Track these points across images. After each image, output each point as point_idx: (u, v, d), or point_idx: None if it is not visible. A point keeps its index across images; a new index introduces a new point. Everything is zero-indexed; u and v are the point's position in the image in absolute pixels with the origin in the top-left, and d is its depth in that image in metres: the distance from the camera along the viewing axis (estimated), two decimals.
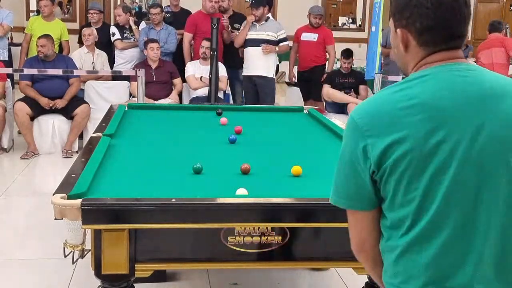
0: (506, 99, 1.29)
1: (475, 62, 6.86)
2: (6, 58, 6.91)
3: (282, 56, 8.25)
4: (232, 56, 6.77)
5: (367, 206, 1.35)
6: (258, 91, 6.61)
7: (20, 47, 7.32)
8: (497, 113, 1.26)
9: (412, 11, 1.33)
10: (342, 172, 1.35)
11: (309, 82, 7.10)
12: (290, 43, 6.89)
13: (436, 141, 1.23)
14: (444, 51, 1.34)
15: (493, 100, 1.28)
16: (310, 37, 7.08)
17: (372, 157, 1.27)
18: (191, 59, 6.85)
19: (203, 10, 6.80)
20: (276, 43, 6.53)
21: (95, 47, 6.80)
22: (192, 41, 6.87)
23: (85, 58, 6.70)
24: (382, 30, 6.78)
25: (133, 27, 7.02)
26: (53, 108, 6.06)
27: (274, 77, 6.73)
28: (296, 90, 7.61)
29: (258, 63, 6.51)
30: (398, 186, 1.27)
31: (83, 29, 6.95)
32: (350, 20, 12.72)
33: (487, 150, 1.24)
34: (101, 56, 6.80)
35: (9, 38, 7.84)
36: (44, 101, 6.04)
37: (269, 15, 6.78)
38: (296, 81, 7.49)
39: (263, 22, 6.54)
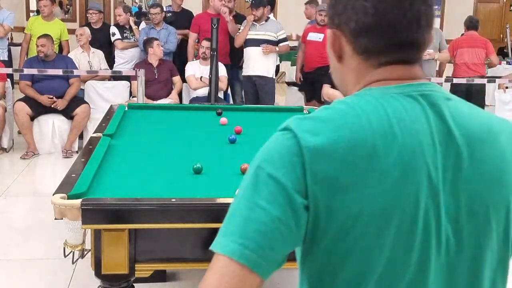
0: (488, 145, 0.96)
1: (454, 59, 6.79)
2: (6, 58, 6.91)
3: (282, 56, 8.24)
4: (233, 56, 6.76)
5: None
6: (258, 91, 6.61)
7: (20, 47, 7.32)
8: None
9: (346, 4, 0.97)
10: None
11: (313, 84, 7.08)
12: (290, 43, 6.89)
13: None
14: (395, 65, 0.97)
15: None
16: (316, 37, 7.07)
17: None
18: (196, 59, 6.86)
19: (211, 10, 6.83)
20: (276, 43, 6.52)
21: (90, 46, 6.79)
22: (198, 40, 6.88)
23: (80, 58, 6.70)
24: None
25: (133, 27, 7.01)
26: (53, 107, 6.05)
27: (274, 77, 6.71)
28: (297, 90, 7.60)
29: (257, 63, 6.51)
30: None
31: (76, 29, 6.95)
32: None
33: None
34: (97, 55, 6.80)
35: (9, 38, 7.84)
36: (44, 99, 6.02)
37: (271, 15, 6.76)
38: (301, 81, 7.46)
39: (263, 22, 6.52)
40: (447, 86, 6.80)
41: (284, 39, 6.59)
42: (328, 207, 0.88)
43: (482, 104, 6.69)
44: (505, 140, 0.97)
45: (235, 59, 6.75)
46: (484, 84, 6.69)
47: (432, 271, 0.93)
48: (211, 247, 0.88)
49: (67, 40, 7.17)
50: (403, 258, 0.91)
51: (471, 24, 7.08)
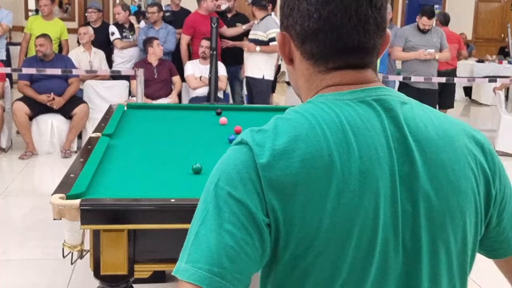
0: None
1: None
2: (4, 58, 6.89)
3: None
4: (231, 53, 6.72)
5: None
6: None
7: (19, 46, 7.31)
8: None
9: (292, 7, 0.94)
10: None
11: None
12: None
13: None
14: (344, 70, 0.95)
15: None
16: None
17: None
18: (189, 60, 6.84)
19: (201, 11, 6.77)
20: (266, 43, 6.32)
21: (91, 46, 6.78)
22: (190, 42, 6.85)
23: (81, 57, 6.69)
24: None
25: (136, 25, 7.00)
26: (49, 105, 6.03)
27: (267, 78, 6.45)
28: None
29: (250, 64, 6.45)
30: None
31: (79, 28, 6.93)
32: None
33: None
34: (98, 55, 6.79)
35: (8, 38, 7.83)
36: (43, 98, 6.00)
37: (272, 14, 6.69)
38: None
39: (258, 21, 6.46)
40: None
41: (275, 38, 6.30)
42: (288, 222, 0.86)
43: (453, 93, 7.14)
44: (460, 145, 0.95)
45: (233, 57, 6.70)
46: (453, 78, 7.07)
47: (392, 279, 0.92)
48: (175, 273, 0.86)
49: (67, 40, 7.16)
50: (364, 267, 0.89)
51: (445, 20, 7.43)
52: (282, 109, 4.76)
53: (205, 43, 6.38)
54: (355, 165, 0.87)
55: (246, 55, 6.47)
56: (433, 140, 0.92)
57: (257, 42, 6.34)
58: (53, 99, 6.01)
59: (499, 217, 0.99)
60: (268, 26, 6.35)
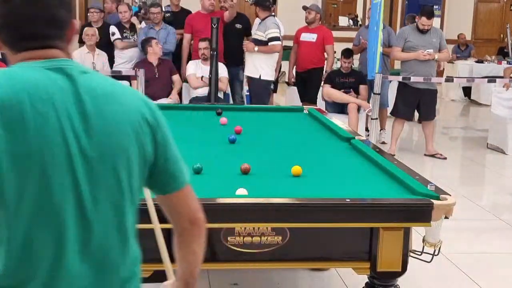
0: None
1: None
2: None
3: (283, 56, 8.19)
4: (231, 54, 6.73)
5: None
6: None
7: None
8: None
9: None
10: None
11: (305, 83, 7.05)
12: (290, 42, 6.84)
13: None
14: (31, 51, 1.26)
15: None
16: (309, 37, 7.02)
17: None
18: (190, 59, 6.86)
19: (202, 10, 6.80)
20: (265, 43, 6.32)
21: (95, 47, 6.80)
22: (192, 41, 6.87)
23: (85, 58, 6.70)
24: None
25: (138, 25, 7.00)
26: None
27: (264, 78, 6.41)
28: (296, 90, 7.60)
29: (247, 63, 6.47)
30: None
31: (86, 29, 6.91)
32: (351, 22, 12.72)
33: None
34: (101, 56, 6.80)
35: None
36: None
37: (273, 14, 6.69)
38: (294, 81, 7.42)
39: (260, 21, 6.47)
40: (449, 85, 6.72)
41: (273, 38, 6.30)
42: None
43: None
44: (130, 104, 1.29)
45: (235, 57, 6.71)
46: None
47: (73, 199, 1.20)
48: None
49: None
50: (48, 188, 1.16)
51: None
52: (282, 109, 4.78)
53: (202, 44, 6.37)
54: (40, 108, 1.16)
55: (247, 55, 6.50)
56: (103, 97, 1.24)
57: (257, 42, 6.35)
58: None
59: (164, 156, 1.36)
60: (267, 26, 6.33)
